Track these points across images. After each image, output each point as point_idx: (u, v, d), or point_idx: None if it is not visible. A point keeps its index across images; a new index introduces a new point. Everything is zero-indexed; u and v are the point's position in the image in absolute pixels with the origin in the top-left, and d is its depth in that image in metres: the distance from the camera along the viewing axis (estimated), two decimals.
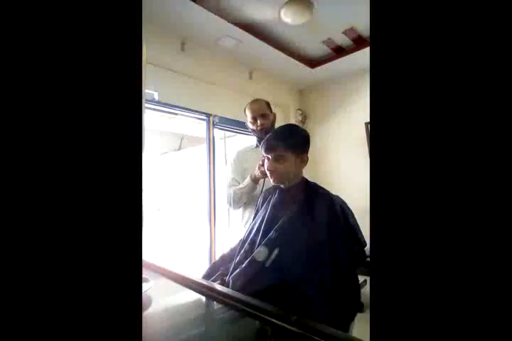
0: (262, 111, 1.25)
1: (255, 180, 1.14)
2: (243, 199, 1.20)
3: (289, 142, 0.83)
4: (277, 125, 1.23)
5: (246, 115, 1.29)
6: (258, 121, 1.23)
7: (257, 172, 1.10)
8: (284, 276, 0.68)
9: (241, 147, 1.41)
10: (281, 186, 0.89)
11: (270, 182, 1.08)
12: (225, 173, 1.32)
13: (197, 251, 2.28)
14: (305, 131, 0.88)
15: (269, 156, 0.84)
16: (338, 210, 0.78)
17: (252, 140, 1.38)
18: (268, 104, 1.30)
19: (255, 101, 1.30)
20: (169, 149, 3.44)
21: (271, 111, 1.29)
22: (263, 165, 1.00)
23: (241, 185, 1.19)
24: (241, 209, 1.27)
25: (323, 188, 0.87)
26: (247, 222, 1.21)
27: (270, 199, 0.90)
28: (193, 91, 2.07)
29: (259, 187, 1.11)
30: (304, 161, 0.86)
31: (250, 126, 1.27)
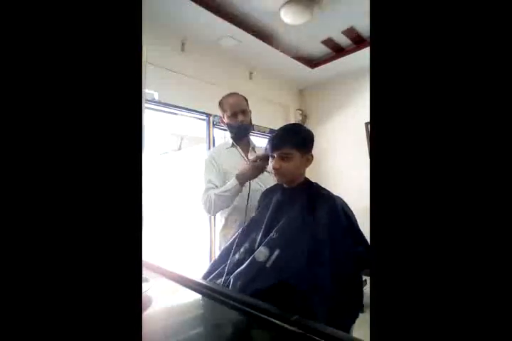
0: (243, 106, 1.16)
1: (243, 182, 1.01)
2: (228, 203, 1.07)
3: (296, 141, 0.83)
4: (275, 125, 1.22)
5: (223, 109, 1.18)
6: (238, 117, 1.14)
7: (249, 172, 0.99)
8: (284, 277, 0.68)
9: (215, 146, 1.30)
10: (284, 185, 0.89)
11: (254, 182, 1.05)
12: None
13: (197, 251, 2.27)
14: (309, 131, 0.88)
15: (275, 155, 0.83)
16: (340, 211, 0.78)
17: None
18: (246, 99, 1.20)
19: (233, 95, 1.19)
20: (169, 149, 3.44)
21: (248, 108, 1.20)
22: (256, 161, 0.97)
23: (223, 188, 1.05)
24: (222, 214, 1.16)
25: (325, 189, 0.87)
26: (232, 224, 1.11)
27: (272, 197, 0.90)
28: (193, 91, 2.07)
29: (244, 190, 1.01)
30: (309, 160, 0.87)
31: (228, 121, 1.16)
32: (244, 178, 1.01)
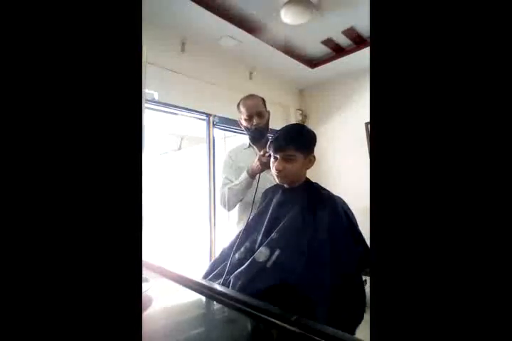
0: (259, 108, 1.17)
1: (253, 175, 1.05)
2: (239, 196, 1.11)
3: (299, 142, 0.82)
4: (275, 125, 1.21)
5: (240, 111, 1.20)
6: (254, 120, 1.15)
7: (256, 165, 1.02)
8: (284, 277, 0.68)
9: (233, 147, 1.32)
10: (285, 186, 0.89)
11: (267, 176, 1.06)
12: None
13: (197, 251, 2.28)
14: (312, 132, 0.87)
15: (278, 156, 0.83)
16: (340, 211, 0.78)
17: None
18: (264, 101, 1.21)
19: (251, 97, 1.21)
20: (169, 149, 3.44)
21: (266, 109, 1.21)
22: (264, 155, 0.98)
23: (236, 182, 1.10)
24: (237, 208, 1.18)
25: (325, 189, 0.87)
26: (242, 220, 1.13)
27: (272, 198, 0.90)
28: (193, 91, 2.07)
29: (254, 183, 1.04)
30: (311, 162, 0.86)
31: (244, 123, 1.18)
32: (252, 172, 1.05)
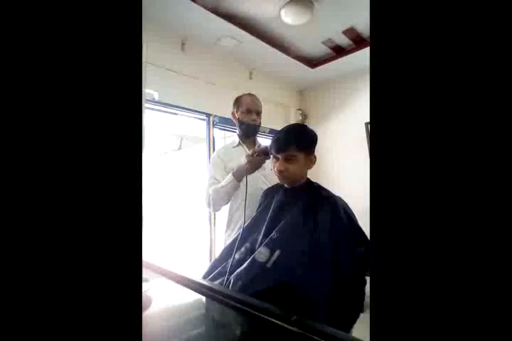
0: (258, 107, 1.18)
1: (239, 177, 1.01)
2: (225, 199, 1.07)
3: (301, 142, 0.82)
4: (275, 125, 1.21)
5: (238, 105, 1.18)
6: (252, 116, 1.16)
7: (245, 167, 0.98)
8: (285, 277, 0.68)
9: (221, 145, 1.29)
10: (285, 185, 0.89)
11: (257, 176, 1.05)
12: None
13: (197, 251, 2.28)
14: (314, 131, 0.87)
15: (279, 156, 0.83)
16: (341, 211, 0.78)
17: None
18: (261, 103, 1.23)
19: (252, 95, 1.21)
20: (169, 149, 3.44)
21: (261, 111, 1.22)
22: (252, 155, 0.96)
23: (222, 183, 1.05)
24: (227, 214, 1.14)
25: (326, 189, 0.87)
26: (236, 224, 1.10)
27: (273, 197, 0.90)
28: (193, 91, 2.07)
29: (242, 185, 1.01)
30: (313, 161, 0.86)
31: (240, 117, 1.16)
32: (240, 174, 1.01)
